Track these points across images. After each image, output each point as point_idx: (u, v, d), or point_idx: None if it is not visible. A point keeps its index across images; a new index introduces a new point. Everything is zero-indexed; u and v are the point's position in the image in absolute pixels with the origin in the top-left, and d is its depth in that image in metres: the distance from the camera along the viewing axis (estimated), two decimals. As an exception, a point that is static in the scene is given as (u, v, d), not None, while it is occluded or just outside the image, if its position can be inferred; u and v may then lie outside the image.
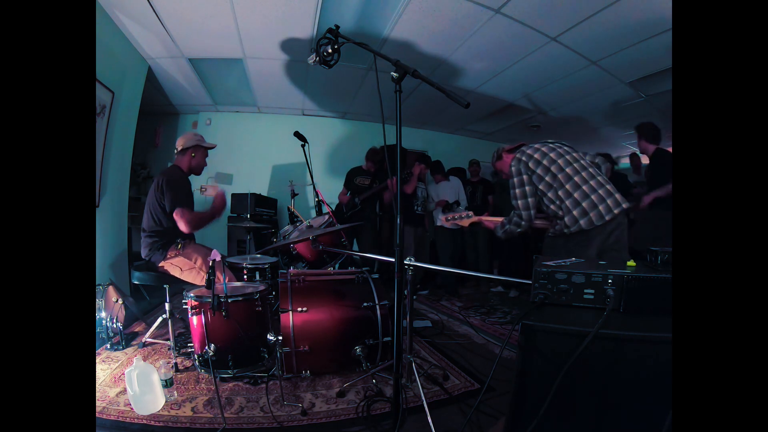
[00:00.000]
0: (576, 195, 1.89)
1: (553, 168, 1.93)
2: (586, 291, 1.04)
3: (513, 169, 2.01)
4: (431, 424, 1.42)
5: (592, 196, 1.87)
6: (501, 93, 4.14)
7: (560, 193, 1.91)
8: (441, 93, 1.21)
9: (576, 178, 1.91)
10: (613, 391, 0.92)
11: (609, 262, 1.22)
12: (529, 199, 1.99)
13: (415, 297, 3.83)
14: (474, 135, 6.06)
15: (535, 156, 1.97)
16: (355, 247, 4.21)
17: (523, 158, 1.99)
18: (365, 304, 2.00)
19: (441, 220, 2.19)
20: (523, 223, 2.01)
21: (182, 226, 2.17)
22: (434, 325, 2.96)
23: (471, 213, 2.14)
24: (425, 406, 1.50)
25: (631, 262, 1.15)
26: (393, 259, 1.35)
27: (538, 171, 1.95)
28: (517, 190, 2.01)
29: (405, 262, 1.58)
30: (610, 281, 1.02)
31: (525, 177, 1.98)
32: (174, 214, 2.16)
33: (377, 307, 2.00)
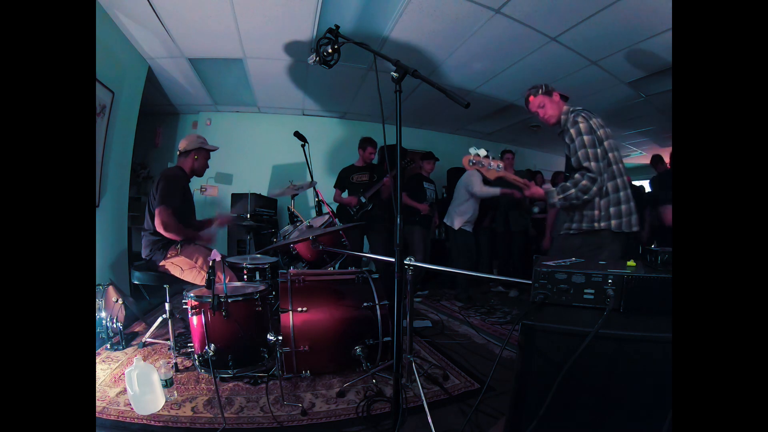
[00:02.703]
0: (621, 194, 1.75)
1: (606, 144, 1.74)
2: (586, 291, 1.04)
3: (578, 117, 1.75)
4: (431, 424, 1.42)
5: (630, 204, 1.76)
6: (501, 93, 4.14)
7: (605, 176, 1.73)
8: (441, 93, 1.21)
9: (618, 180, 1.77)
10: (613, 391, 0.92)
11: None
12: (599, 150, 1.70)
13: (419, 300, 3.80)
14: (474, 135, 6.06)
15: (597, 122, 1.76)
16: (366, 247, 3.98)
17: (586, 113, 1.77)
18: (365, 304, 2.00)
19: (464, 160, 1.73)
20: (597, 181, 1.69)
21: (157, 224, 2.14)
22: (434, 325, 2.96)
23: (501, 165, 1.72)
24: (425, 406, 1.50)
25: (631, 262, 1.15)
26: (393, 259, 1.35)
27: (599, 133, 1.73)
28: (585, 137, 1.70)
29: (405, 262, 1.58)
30: (610, 281, 1.02)
31: (593, 122, 1.73)
32: (156, 210, 2.14)
33: (377, 307, 2.00)
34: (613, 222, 1.76)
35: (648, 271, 1.04)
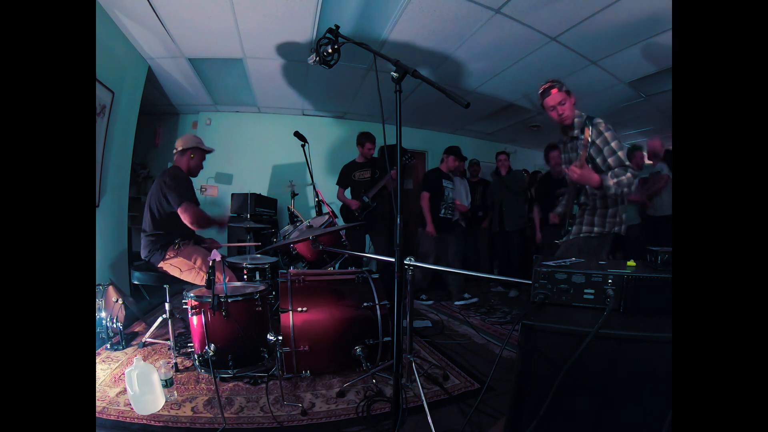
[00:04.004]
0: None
1: None
2: (586, 291, 1.04)
3: (609, 125, 1.81)
4: (431, 424, 1.42)
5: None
6: (501, 93, 4.14)
7: None
8: (441, 93, 1.21)
9: None
10: (613, 391, 0.92)
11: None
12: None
13: (431, 302, 3.75)
14: (474, 135, 6.06)
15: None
16: (368, 247, 3.92)
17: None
18: (365, 304, 2.00)
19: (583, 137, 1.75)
20: (637, 175, 1.80)
21: (186, 220, 2.19)
22: (434, 325, 2.96)
23: (589, 141, 1.75)
24: (425, 406, 1.50)
25: (631, 262, 1.15)
26: (393, 259, 1.35)
27: None
28: (623, 146, 1.79)
29: (405, 261, 1.58)
30: (610, 281, 1.02)
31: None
32: (179, 209, 2.17)
33: (377, 307, 2.00)
34: (623, 227, 1.93)
35: (648, 271, 1.04)
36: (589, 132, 1.69)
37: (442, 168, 3.81)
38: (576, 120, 1.92)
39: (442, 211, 3.71)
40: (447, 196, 3.74)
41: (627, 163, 1.77)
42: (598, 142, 1.83)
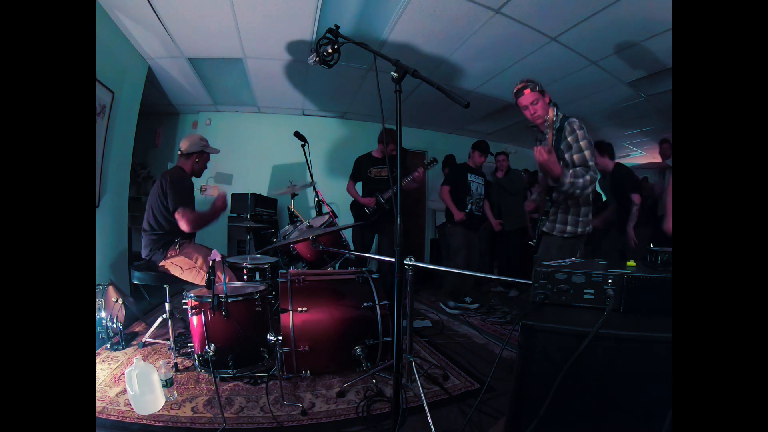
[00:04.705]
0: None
1: None
2: (586, 291, 1.04)
3: (583, 126, 1.83)
4: (431, 424, 1.42)
5: None
6: (501, 93, 4.13)
7: None
8: (441, 93, 1.21)
9: None
10: (613, 391, 0.92)
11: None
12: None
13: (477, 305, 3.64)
14: (474, 135, 6.05)
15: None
16: (374, 246, 3.73)
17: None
18: (365, 304, 2.00)
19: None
20: (595, 181, 1.82)
21: (183, 226, 2.20)
22: (434, 325, 2.96)
23: (548, 124, 1.74)
24: (425, 406, 1.50)
25: (631, 262, 1.15)
26: (393, 259, 1.35)
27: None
28: (590, 143, 1.81)
29: (405, 261, 1.58)
30: (610, 281, 1.02)
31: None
32: (176, 214, 2.18)
33: (377, 307, 2.00)
34: (588, 227, 1.95)
35: (648, 271, 1.04)
36: (553, 112, 1.69)
37: (469, 163, 3.72)
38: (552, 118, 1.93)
39: (469, 206, 3.57)
40: (474, 191, 3.60)
41: (590, 163, 1.79)
42: (569, 139, 1.86)
